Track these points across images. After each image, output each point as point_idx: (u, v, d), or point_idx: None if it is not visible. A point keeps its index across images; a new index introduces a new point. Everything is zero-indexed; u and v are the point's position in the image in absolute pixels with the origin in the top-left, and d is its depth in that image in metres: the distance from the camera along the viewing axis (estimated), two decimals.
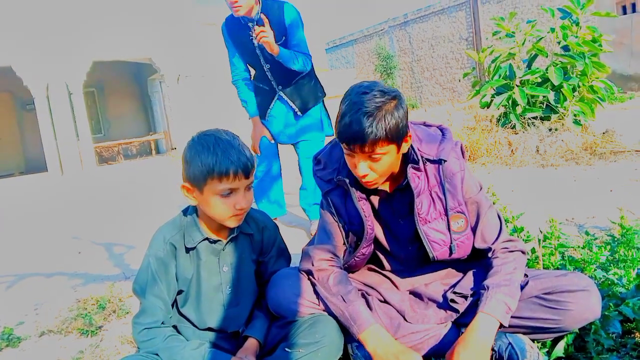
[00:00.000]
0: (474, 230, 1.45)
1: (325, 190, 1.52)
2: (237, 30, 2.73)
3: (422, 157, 1.40)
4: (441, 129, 1.51)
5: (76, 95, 10.57)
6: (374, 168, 1.33)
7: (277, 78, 2.79)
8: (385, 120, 1.25)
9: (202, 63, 11.97)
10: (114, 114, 14.95)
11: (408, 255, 1.53)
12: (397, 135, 1.29)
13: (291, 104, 2.83)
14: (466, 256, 1.47)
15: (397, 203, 1.48)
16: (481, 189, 1.46)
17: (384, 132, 1.25)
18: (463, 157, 1.50)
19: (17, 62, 9.86)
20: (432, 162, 1.41)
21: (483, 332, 1.23)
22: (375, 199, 1.50)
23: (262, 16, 2.53)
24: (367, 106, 1.25)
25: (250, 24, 2.65)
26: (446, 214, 1.41)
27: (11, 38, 9.72)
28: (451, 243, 1.41)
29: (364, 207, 1.45)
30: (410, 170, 1.39)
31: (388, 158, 1.32)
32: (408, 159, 1.41)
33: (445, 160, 1.40)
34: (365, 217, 1.44)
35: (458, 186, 1.41)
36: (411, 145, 1.39)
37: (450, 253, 1.42)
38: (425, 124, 1.54)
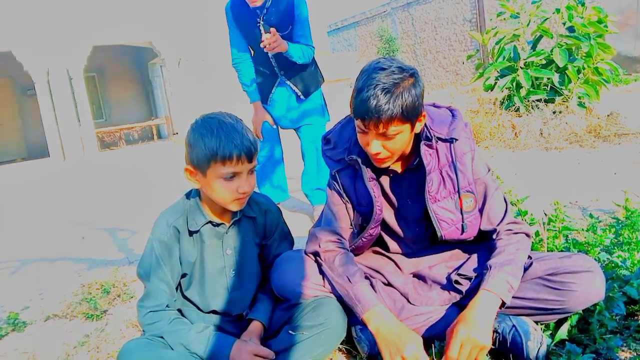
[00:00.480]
0: (480, 211, 1.45)
1: (334, 170, 1.52)
2: (242, 15, 2.69)
3: (433, 135, 1.40)
4: (451, 110, 1.50)
5: (77, 80, 10.53)
6: (387, 146, 1.32)
7: (281, 64, 2.77)
8: (402, 97, 1.24)
9: (203, 47, 11.87)
10: (115, 99, 14.91)
11: (415, 237, 1.54)
12: (412, 114, 1.28)
13: (294, 88, 2.82)
14: (473, 237, 1.47)
15: (407, 183, 1.48)
16: (489, 170, 1.46)
17: (400, 110, 1.24)
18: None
19: (17, 48, 9.80)
20: (444, 140, 1.41)
21: (484, 309, 1.23)
22: (385, 180, 1.50)
23: (272, 30, 2.47)
24: (385, 82, 1.24)
25: (258, 11, 2.61)
26: (457, 193, 1.41)
27: (11, 23, 9.65)
28: (463, 222, 1.41)
29: (374, 188, 1.44)
30: (423, 148, 1.39)
31: (401, 137, 1.31)
32: (420, 137, 1.41)
33: (456, 139, 1.40)
34: (375, 198, 1.44)
35: (468, 165, 1.41)
36: (425, 124, 1.39)
37: (463, 231, 1.42)
38: (435, 105, 1.54)
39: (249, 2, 2.55)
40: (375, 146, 1.31)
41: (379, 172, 1.47)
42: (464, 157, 1.41)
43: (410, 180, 1.47)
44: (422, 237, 1.53)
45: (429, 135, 1.40)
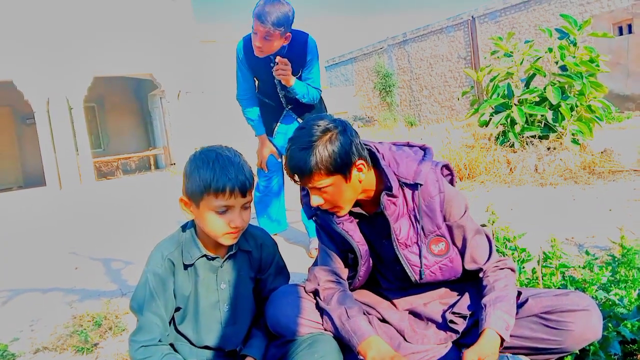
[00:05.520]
0: (462, 252, 1.44)
1: (309, 215, 1.54)
2: (256, 55, 2.71)
3: (399, 181, 1.40)
4: (423, 149, 1.51)
5: (76, 110, 10.61)
6: (325, 198, 1.36)
7: (288, 97, 2.78)
8: (316, 154, 1.28)
9: (203, 79, 12.05)
10: (114, 129, 15.00)
11: (396, 275, 1.53)
12: (335, 167, 1.30)
13: (300, 122, 2.84)
14: (456, 277, 1.46)
15: (379, 225, 1.47)
16: (465, 212, 1.44)
17: (316, 165, 1.28)
18: (452, 178, 1.49)
19: (18, 76, 9.92)
20: (409, 186, 1.41)
21: (490, 345, 1.23)
22: (357, 220, 1.50)
23: (279, 59, 2.50)
24: (300, 142, 1.30)
25: (271, 57, 2.60)
26: (418, 240, 1.41)
27: (13, 52, 9.80)
28: (420, 267, 1.42)
29: (345, 228, 1.46)
30: (384, 198, 1.39)
31: (335, 189, 1.34)
32: (384, 183, 1.41)
33: (421, 184, 1.39)
34: (350, 237, 1.45)
35: (436, 210, 1.40)
36: (384, 171, 1.39)
37: (421, 277, 1.42)
38: (408, 145, 1.54)
39: (255, 53, 2.54)
40: (313, 199, 1.36)
41: (350, 213, 1.47)
42: (432, 202, 1.40)
43: (381, 221, 1.46)
44: (404, 276, 1.51)
45: (390, 184, 1.39)
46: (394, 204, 1.40)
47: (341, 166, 1.30)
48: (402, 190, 1.41)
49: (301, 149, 1.29)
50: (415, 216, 1.40)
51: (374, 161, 1.41)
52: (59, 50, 10.22)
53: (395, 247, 1.41)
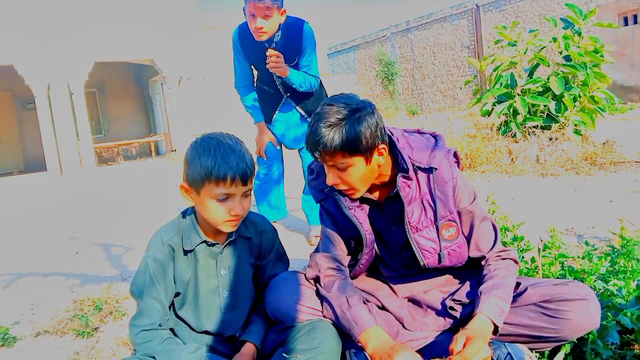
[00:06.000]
0: (468, 239, 1.45)
1: (318, 199, 1.54)
2: (251, 42, 2.67)
3: (413, 165, 1.41)
4: (434, 136, 1.51)
5: (77, 95, 10.59)
6: (343, 178, 1.35)
7: (286, 86, 2.76)
8: (342, 132, 1.27)
9: (204, 65, 11.99)
10: (115, 115, 14.98)
11: (402, 262, 1.53)
12: (359, 148, 1.29)
13: (299, 109, 2.83)
14: (461, 264, 1.47)
15: (389, 211, 1.48)
16: (475, 198, 1.45)
17: (341, 143, 1.27)
18: (458, 165, 1.49)
19: (19, 61, 9.88)
20: (423, 170, 1.41)
21: (480, 330, 1.23)
22: (366, 207, 1.50)
23: (270, 52, 2.51)
24: (328, 117, 1.28)
25: (266, 44, 2.59)
26: (435, 222, 1.41)
27: (13, 37, 9.74)
28: (440, 251, 1.42)
29: (356, 214, 1.45)
30: (400, 179, 1.39)
31: (355, 170, 1.33)
32: (399, 167, 1.41)
33: (436, 169, 1.40)
34: (359, 224, 1.45)
35: (449, 194, 1.41)
36: (401, 154, 1.39)
37: (440, 261, 1.42)
38: (419, 132, 1.55)
39: (255, 36, 2.53)
40: (330, 177, 1.35)
41: (360, 199, 1.47)
42: (445, 187, 1.41)
43: (392, 207, 1.47)
44: (410, 263, 1.52)
45: (405, 166, 1.39)
46: (408, 187, 1.40)
47: (365, 148, 1.30)
48: (416, 174, 1.41)
49: (328, 126, 1.27)
50: (428, 201, 1.41)
51: (390, 145, 1.41)
52: (60, 35, 10.16)
53: (407, 231, 1.41)
